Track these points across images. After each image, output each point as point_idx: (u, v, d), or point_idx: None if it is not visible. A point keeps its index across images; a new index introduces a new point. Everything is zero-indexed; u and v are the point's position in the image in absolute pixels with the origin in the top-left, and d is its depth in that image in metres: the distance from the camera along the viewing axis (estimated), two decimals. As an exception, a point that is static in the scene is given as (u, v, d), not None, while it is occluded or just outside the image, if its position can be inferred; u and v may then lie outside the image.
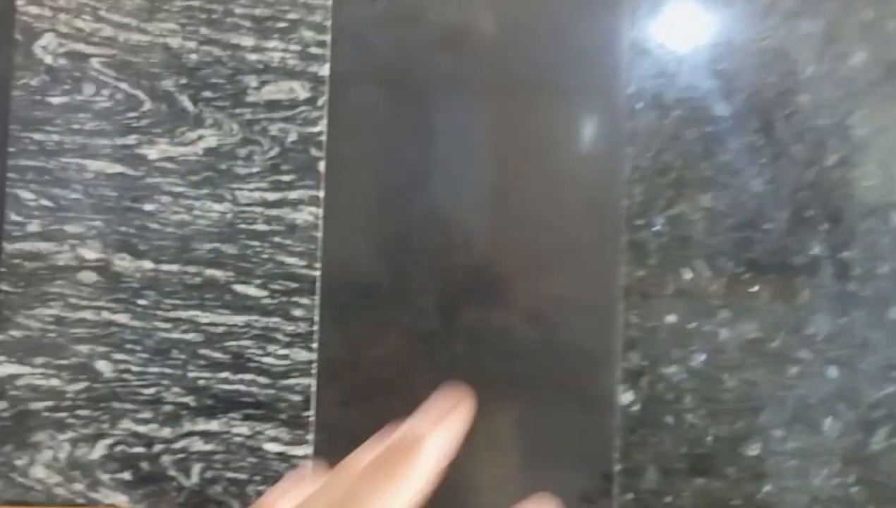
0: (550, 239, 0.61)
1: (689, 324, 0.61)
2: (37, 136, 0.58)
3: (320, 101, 0.60)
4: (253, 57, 0.60)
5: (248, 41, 0.60)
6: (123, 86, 0.59)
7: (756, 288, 0.61)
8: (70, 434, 0.58)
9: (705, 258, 0.61)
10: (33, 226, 0.58)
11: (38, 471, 0.58)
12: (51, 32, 0.59)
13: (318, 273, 0.59)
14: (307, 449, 0.59)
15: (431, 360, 0.60)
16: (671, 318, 0.61)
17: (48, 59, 0.59)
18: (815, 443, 0.61)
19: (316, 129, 0.60)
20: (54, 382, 0.58)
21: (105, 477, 0.58)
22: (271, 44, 0.60)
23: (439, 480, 0.30)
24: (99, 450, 0.58)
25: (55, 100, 0.59)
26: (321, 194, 0.60)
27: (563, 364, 0.60)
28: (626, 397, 0.60)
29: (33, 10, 0.58)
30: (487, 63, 0.61)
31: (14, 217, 0.58)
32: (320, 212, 0.60)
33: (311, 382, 0.59)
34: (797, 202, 0.62)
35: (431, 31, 0.61)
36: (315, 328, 0.59)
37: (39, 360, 0.58)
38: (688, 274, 0.61)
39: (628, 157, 0.61)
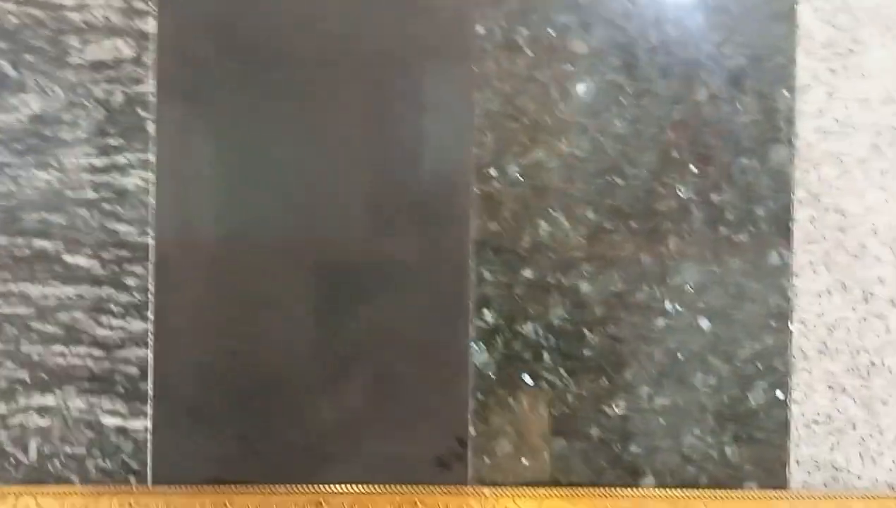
0: (396, 196, 0.57)
1: (547, 279, 0.57)
2: None
3: (146, 59, 0.57)
4: (75, 16, 0.57)
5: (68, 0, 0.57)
6: (-56, 52, 0.57)
7: (619, 237, 0.57)
8: None
9: (563, 208, 0.57)
10: None
11: None
12: None
13: (151, 240, 0.57)
14: (146, 422, 0.57)
15: (274, 325, 0.57)
16: (527, 273, 0.57)
17: None
18: (686, 400, 0.57)
19: (143, 89, 0.57)
20: None
21: (-60, 457, 0.57)
22: (93, 1, 0.57)
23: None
24: (-67, 430, 0.57)
25: None
26: (152, 158, 0.57)
27: (414, 324, 0.57)
28: (480, 357, 0.57)
29: None
30: (322, 20, 0.57)
31: None
32: (151, 176, 0.57)
33: (148, 353, 0.57)
34: (663, 143, 0.57)
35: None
36: (150, 297, 0.57)
37: None
38: (545, 226, 0.57)
39: (477, 103, 0.57)
